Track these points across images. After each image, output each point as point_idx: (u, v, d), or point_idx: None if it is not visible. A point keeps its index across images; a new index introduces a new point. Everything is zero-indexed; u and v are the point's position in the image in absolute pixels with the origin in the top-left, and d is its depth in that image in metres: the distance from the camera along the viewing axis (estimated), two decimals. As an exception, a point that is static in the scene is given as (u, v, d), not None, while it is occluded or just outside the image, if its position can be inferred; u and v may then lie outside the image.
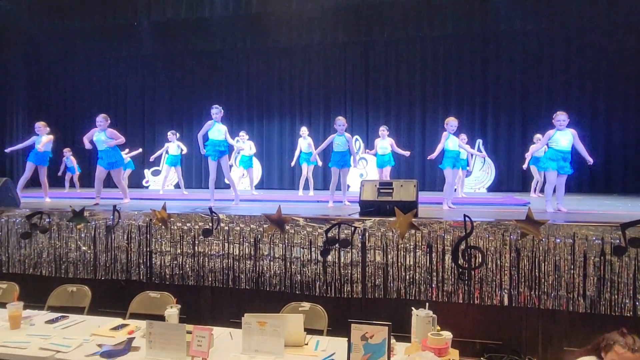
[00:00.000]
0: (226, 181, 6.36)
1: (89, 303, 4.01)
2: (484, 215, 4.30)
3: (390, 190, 4.29)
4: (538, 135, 8.79)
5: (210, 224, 4.41)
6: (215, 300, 4.51)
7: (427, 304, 2.75)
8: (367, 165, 11.14)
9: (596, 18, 9.86)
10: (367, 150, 9.64)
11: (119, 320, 3.31)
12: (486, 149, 10.95)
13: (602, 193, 9.76)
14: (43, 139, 7.25)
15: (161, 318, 3.58)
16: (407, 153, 8.85)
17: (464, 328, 3.85)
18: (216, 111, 6.45)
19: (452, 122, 6.00)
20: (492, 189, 10.83)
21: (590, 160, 5.36)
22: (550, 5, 9.95)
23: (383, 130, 8.67)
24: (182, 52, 12.52)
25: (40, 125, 7.32)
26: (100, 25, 11.14)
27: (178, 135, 10.20)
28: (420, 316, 2.73)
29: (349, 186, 11.46)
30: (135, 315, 3.77)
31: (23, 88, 12.99)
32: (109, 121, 6.48)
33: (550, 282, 3.73)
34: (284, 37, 11.49)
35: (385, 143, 8.60)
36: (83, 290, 4.07)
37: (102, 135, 6.32)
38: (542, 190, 8.99)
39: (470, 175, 10.94)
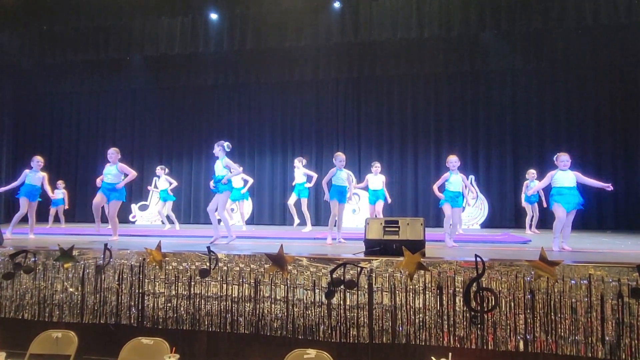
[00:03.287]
0: (216, 215, 6.13)
1: (74, 351, 3.70)
2: (486, 254, 4.17)
3: (397, 229, 4.15)
4: (531, 171, 8.80)
5: (208, 264, 4.19)
6: (211, 345, 4.23)
7: (450, 354, 2.56)
8: (360, 200, 11.03)
9: (582, 58, 10.15)
10: (356, 186, 9.54)
11: (110, 372, 3.05)
12: (478, 185, 10.98)
13: (594, 230, 9.77)
14: (45, 179, 7.09)
15: (155, 367, 3.32)
16: (388, 200, 8.73)
17: (478, 375, 3.64)
18: (216, 148, 6.52)
19: (451, 159, 5.96)
20: (486, 225, 10.79)
21: (608, 186, 5.34)
22: (537, 45, 10.23)
23: (376, 166, 8.60)
24: (174, 86, 12.48)
25: (39, 160, 7.08)
26: (92, 59, 11.05)
27: (167, 170, 10.02)
28: (443, 367, 2.54)
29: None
30: (127, 364, 3.48)
31: (10, 121, 12.72)
32: (119, 155, 6.44)
33: (567, 326, 3.58)
34: (276, 73, 11.55)
35: (377, 179, 8.53)
36: (69, 337, 3.77)
37: (113, 168, 6.25)
38: (537, 227, 8.97)
39: (464, 211, 10.90)
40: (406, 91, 11.58)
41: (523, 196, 9.00)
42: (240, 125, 12.43)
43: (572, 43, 9.99)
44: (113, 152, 6.40)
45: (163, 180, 9.69)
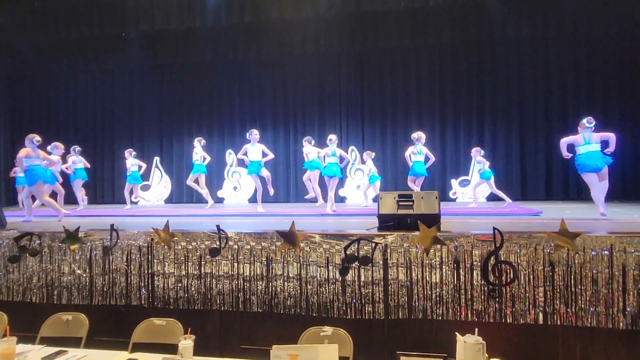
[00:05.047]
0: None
1: (86, 333, 3.64)
2: (500, 227, 4.06)
3: (411, 203, 4.04)
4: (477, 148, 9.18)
5: (218, 243, 4.09)
6: (224, 324, 4.17)
7: (476, 329, 2.48)
8: (364, 176, 10.91)
9: (590, 25, 9.88)
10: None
11: (124, 355, 2.97)
12: (484, 157, 10.83)
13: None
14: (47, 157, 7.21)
15: (168, 347, 3.26)
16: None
17: (496, 349, 3.59)
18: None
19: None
20: (491, 197, 10.68)
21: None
22: (545, 13, 9.94)
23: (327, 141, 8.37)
24: (172, 63, 12.20)
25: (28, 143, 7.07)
26: (86, 36, 10.77)
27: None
28: (469, 343, 2.46)
29: (345, 197, 11.27)
30: (140, 345, 3.43)
31: (6, 101, 12.49)
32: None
33: (587, 298, 3.50)
34: (277, 46, 11.26)
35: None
36: (79, 319, 3.71)
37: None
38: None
39: (468, 184, 10.82)
40: (410, 63, 11.33)
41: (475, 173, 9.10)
42: (241, 102, 12.20)
43: (581, 10, 9.70)
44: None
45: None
